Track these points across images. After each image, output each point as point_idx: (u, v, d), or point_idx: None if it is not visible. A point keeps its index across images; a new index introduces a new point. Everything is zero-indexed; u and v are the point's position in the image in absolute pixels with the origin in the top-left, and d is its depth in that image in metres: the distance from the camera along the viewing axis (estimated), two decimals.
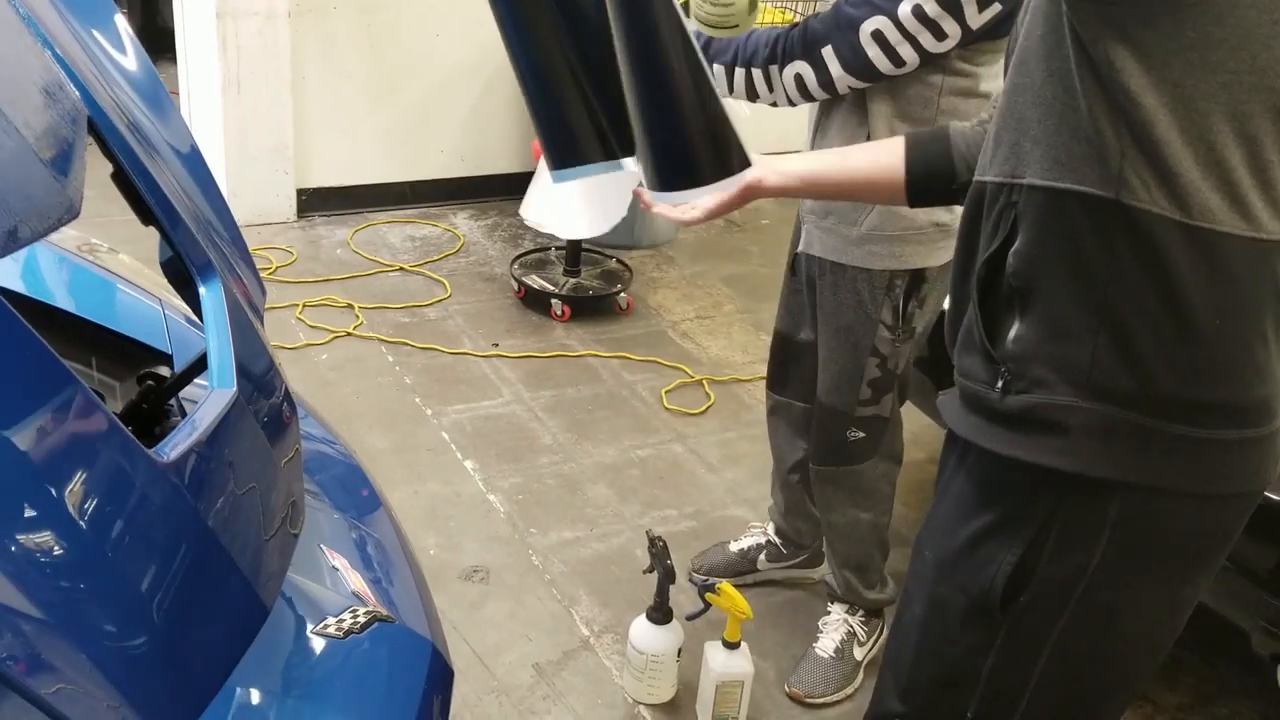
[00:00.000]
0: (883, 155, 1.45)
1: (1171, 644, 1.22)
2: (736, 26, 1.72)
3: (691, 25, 1.90)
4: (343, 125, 4.18)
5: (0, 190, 0.79)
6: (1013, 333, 1.11)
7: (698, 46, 1.21)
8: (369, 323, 3.54)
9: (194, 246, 1.04)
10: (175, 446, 0.88)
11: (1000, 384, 1.12)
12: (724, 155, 1.25)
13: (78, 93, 1.02)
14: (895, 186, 1.44)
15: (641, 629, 2.16)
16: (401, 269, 3.93)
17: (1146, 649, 1.22)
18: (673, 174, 1.28)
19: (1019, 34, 1.14)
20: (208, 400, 0.96)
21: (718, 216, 1.50)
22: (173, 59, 4.27)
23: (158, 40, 5.18)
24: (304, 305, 3.59)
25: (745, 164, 1.26)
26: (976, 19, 1.70)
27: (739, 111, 1.52)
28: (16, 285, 1.38)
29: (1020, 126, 1.08)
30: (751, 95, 1.91)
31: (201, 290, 1.04)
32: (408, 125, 4.31)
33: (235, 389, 0.97)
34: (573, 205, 1.38)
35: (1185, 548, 1.14)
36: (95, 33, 1.24)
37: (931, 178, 1.42)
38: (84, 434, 0.83)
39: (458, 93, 4.33)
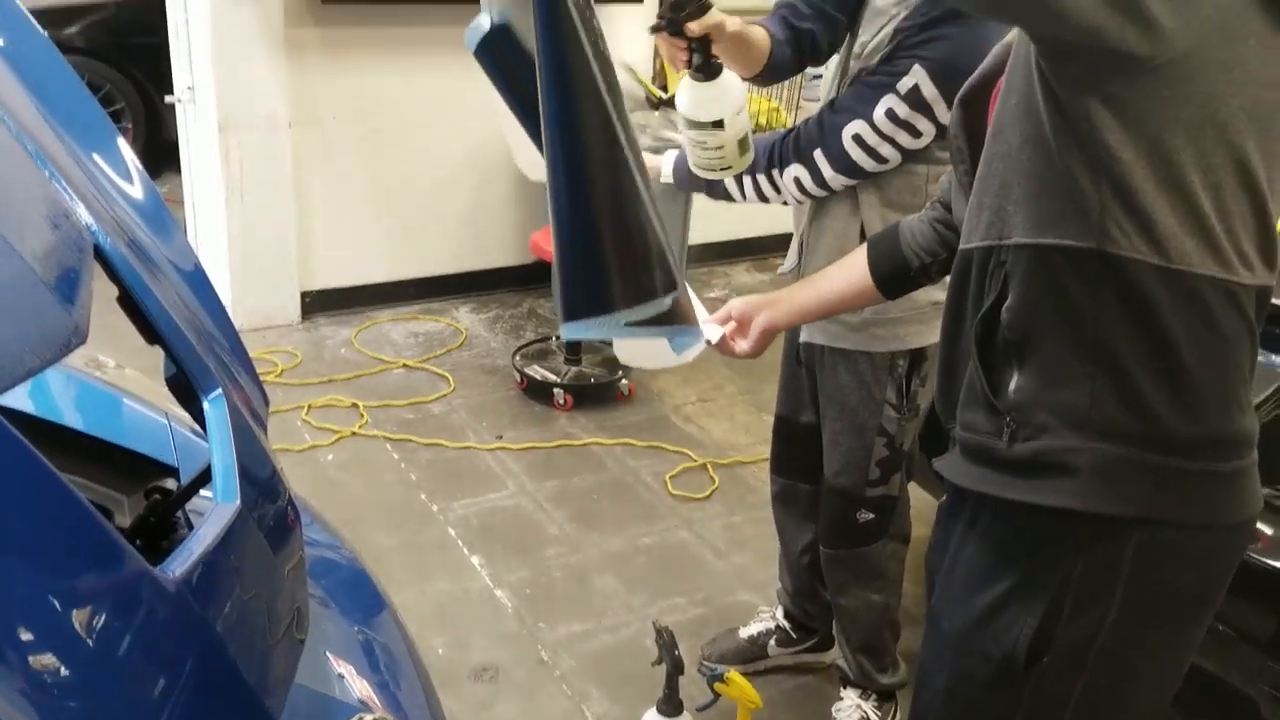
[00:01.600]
0: (854, 268, 1.62)
1: (1179, 684, 1.27)
2: (730, 168, 1.81)
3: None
4: (344, 227, 4.27)
5: (9, 321, 0.82)
6: (1013, 384, 1.17)
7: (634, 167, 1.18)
8: (374, 421, 3.57)
9: (197, 364, 1.07)
10: (181, 564, 0.90)
11: (1006, 434, 1.17)
12: (644, 279, 1.20)
13: (84, 221, 1.06)
14: (871, 288, 1.60)
15: None
16: (405, 365, 3.97)
17: (1160, 692, 1.27)
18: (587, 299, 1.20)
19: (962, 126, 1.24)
20: (211, 515, 0.98)
21: (754, 356, 1.67)
22: (177, 170, 4.37)
23: (162, 152, 5.32)
24: (309, 407, 3.62)
25: (670, 287, 1.23)
26: (947, 115, 1.77)
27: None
28: (25, 405, 1.42)
29: (1002, 192, 1.15)
30: (762, 198, 2.02)
31: (205, 406, 1.07)
32: (408, 224, 4.39)
33: (239, 502, 0.99)
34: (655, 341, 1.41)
35: (1192, 589, 1.20)
36: (96, 156, 1.29)
37: (893, 272, 1.58)
38: (90, 554, 0.85)
39: (456, 190, 4.43)
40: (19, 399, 1.43)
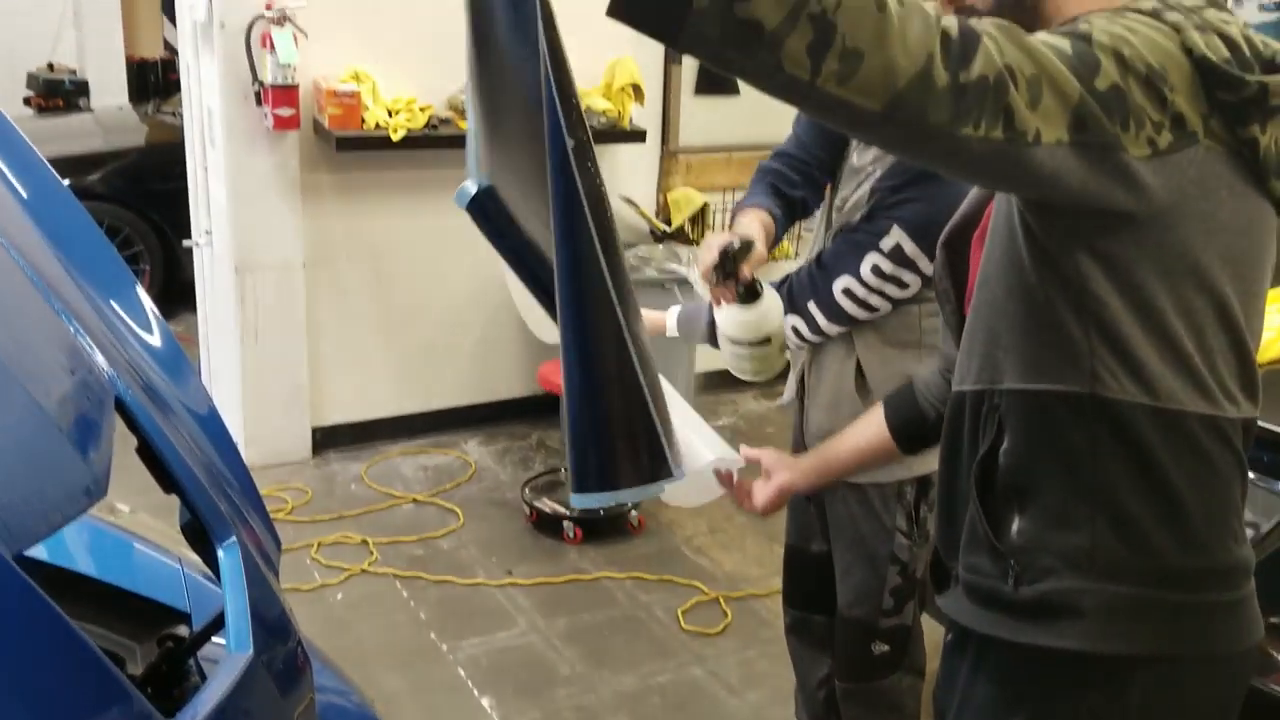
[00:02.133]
0: (870, 427, 1.66)
1: None
2: (774, 367, 1.91)
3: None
4: (356, 363, 4.32)
5: (35, 478, 0.85)
6: (1015, 526, 1.19)
7: (633, 348, 1.19)
8: (383, 558, 3.55)
9: (213, 512, 1.09)
10: (193, 718, 0.90)
11: (1011, 577, 1.19)
12: (651, 459, 1.22)
13: (106, 374, 1.09)
14: (890, 446, 1.64)
15: None
16: (415, 500, 3.97)
17: None
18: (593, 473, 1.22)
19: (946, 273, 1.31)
20: (224, 665, 0.98)
21: (766, 514, 1.73)
22: (193, 309, 4.46)
23: (179, 293, 5.42)
24: (319, 544, 3.60)
25: (668, 474, 1.24)
26: (930, 266, 1.83)
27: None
28: (39, 552, 1.43)
29: (990, 338, 1.19)
30: None
31: (219, 554, 1.08)
32: (418, 359, 4.45)
33: (251, 652, 1.00)
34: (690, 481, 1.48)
35: (1201, 719, 1.20)
36: (115, 304, 1.34)
37: (910, 426, 1.62)
38: (103, 706, 0.85)
39: (464, 325, 4.50)
40: (33, 546, 1.44)
